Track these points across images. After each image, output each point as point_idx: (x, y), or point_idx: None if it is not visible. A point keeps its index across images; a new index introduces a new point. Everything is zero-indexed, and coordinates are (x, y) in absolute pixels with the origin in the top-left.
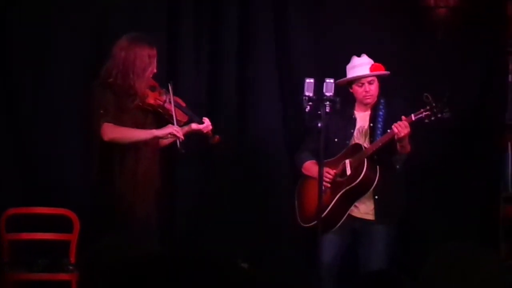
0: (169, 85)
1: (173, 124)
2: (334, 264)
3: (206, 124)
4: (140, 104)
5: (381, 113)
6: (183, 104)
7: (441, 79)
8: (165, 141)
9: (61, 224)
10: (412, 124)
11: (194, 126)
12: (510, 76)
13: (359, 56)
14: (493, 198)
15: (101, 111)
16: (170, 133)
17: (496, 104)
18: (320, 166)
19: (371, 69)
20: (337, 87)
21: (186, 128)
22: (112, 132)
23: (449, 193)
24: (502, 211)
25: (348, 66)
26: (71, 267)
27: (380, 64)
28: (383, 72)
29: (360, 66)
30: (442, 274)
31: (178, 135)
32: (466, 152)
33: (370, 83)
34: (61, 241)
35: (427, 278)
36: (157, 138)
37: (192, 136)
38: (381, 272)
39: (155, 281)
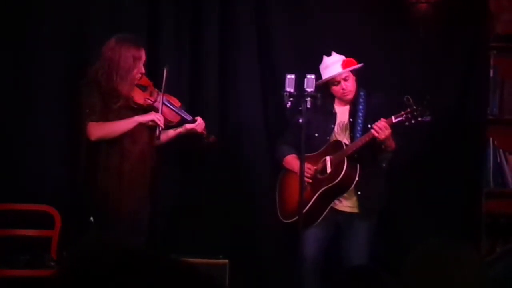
0: (165, 68)
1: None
2: (317, 258)
3: (199, 122)
4: (128, 104)
5: (361, 107)
6: (177, 104)
7: (422, 75)
8: (162, 139)
9: (42, 221)
10: (392, 126)
11: (187, 126)
12: (491, 71)
13: (328, 55)
14: (474, 194)
15: (87, 110)
16: (151, 120)
17: (478, 99)
18: (302, 162)
19: (343, 65)
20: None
21: (179, 129)
22: (97, 130)
23: (430, 188)
24: (483, 207)
25: (321, 67)
26: (52, 264)
27: (351, 59)
28: (355, 66)
29: (332, 65)
30: (423, 270)
31: (159, 122)
32: (448, 147)
33: (345, 80)
34: (42, 238)
35: (407, 274)
36: (140, 124)
37: (188, 137)
38: (362, 267)
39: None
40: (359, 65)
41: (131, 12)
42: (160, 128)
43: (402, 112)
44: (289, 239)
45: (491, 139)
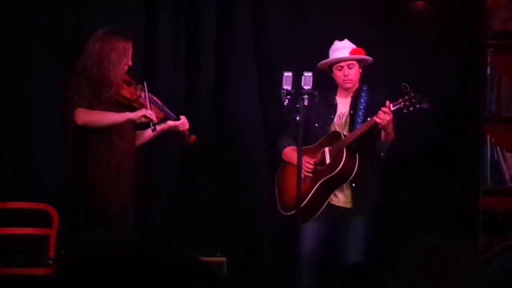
0: (145, 83)
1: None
2: (314, 254)
3: (183, 121)
4: (115, 96)
5: (362, 100)
6: (160, 103)
7: (419, 72)
8: (142, 140)
9: (40, 219)
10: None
11: (170, 123)
12: (488, 68)
13: (342, 40)
14: (472, 191)
15: (76, 98)
16: (143, 115)
17: (475, 96)
18: (299, 160)
19: (351, 53)
20: (318, 75)
21: (163, 125)
22: (85, 115)
23: (428, 185)
24: (481, 204)
25: (330, 50)
26: (50, 262)
27: (361, 49)
28: (363, 56)
29: (341, 49)
30: (420, 267)
31: (151, 117)
32: (445, 144)
33: (349, 67)
34: (40, 236)
35: (404, 271)
36: (130, 120)
37: (170, 134)
38: (359, 265)
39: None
40: (367, 57)
41: (127, 11)
42: (154, 122)
43: (400, 100)
44: (287, 236)
45: (488, 136)
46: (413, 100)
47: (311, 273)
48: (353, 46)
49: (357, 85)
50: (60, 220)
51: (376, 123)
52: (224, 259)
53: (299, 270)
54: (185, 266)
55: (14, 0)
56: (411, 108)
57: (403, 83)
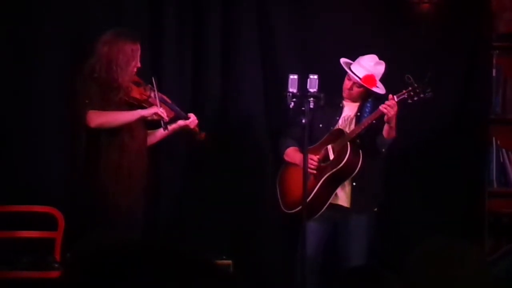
0: (153, 79)
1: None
2: (317, 256)
3: (192, 119)
4: (126, 98)
5: (369, 104)
6: (169, 101)
7: (424, 74)
8: (153, 139)
9: (45, 222)
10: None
11: (181, 122)
12: (494, 70)
13: (377, 55)
14: (477, 193)
15: (86, 101)
16: (155, 113)
17: (481, 99)
18: (305, 159)
19: (363, 78)
20: (324, 77)
21: (173, 125)
22: (98, 117)
23: (434, 188)
24: (486, 206)
25: (358, 58)
26: (56, 265)
27: (373, 79)
28: (365, 84)
29: (361, 66)
30: (426, 269)
31: (163, 115)
32: (451, 147)
33: (356, 85)
34: (46, 239)
35: (410, 273)
36: (143, 118)
37: (179, 132)
38: (364, 268)
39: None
40: (373, 90)
41: (132, 12)
42: (165, 120)
43: (404, 91)
44: (291, 238)
45: (494, 138)
46: (417, 90)
47: (314, 275)
48: (372, 71)
49: (358, 101)
50: (66, 223)
51: (382, 115)
52: (230, 261)
53: (302, 272)
54: (193, 266)
55: (18, 1)
56: (415, 98)
57: (406, 75)
